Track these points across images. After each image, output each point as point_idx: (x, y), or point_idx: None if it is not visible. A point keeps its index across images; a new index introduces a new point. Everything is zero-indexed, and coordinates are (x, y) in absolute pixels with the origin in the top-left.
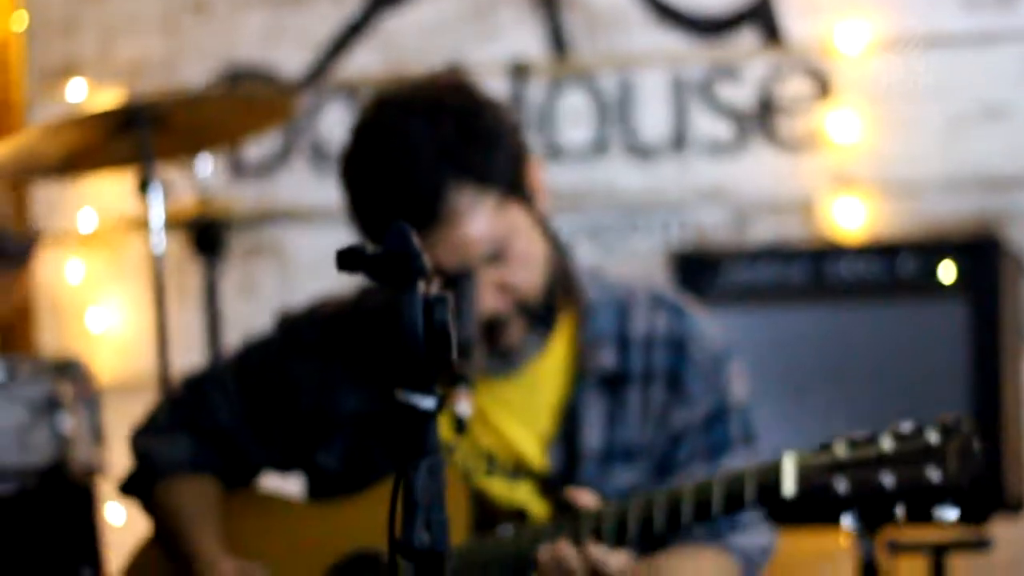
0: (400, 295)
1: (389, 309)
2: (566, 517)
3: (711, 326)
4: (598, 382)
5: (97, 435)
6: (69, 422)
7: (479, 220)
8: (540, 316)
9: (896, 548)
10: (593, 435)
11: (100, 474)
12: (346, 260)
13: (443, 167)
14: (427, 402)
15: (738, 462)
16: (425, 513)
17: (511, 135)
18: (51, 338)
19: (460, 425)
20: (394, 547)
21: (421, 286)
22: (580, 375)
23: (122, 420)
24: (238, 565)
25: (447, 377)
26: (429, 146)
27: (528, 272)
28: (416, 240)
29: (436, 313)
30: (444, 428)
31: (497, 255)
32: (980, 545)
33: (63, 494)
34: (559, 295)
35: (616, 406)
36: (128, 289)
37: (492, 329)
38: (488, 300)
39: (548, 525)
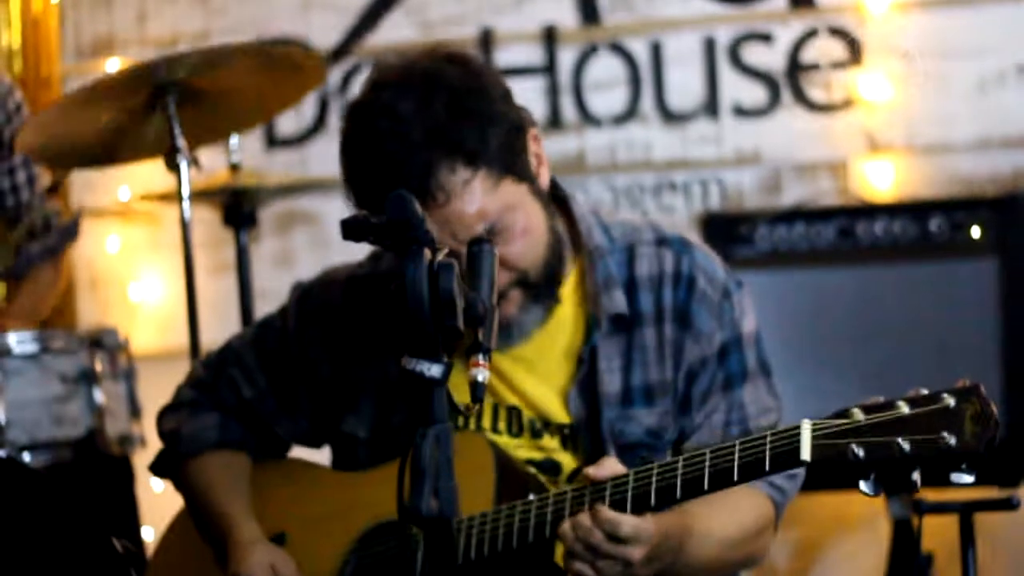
0: (404, 262)
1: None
2: (586, 489)
3: (716, 260)
4: (611, 326)
5: (133, 407)
6: (103, 394)
7: (472, 199)
8: (542, 288)
9: (923, 508)
10: (611, 379)
11: (136, 446)
12: (351, 229)
13: (434, 147)
14: (433, 369)
15: (758, 393)
16: (433, 480)
17: (506, 110)
18: (91, 312)
19: (478, 392)
20: (403, 514)
21: (426, 253)
22: (592, 322)
23: (160, 391)
24: (270, 556)
25: (466, 345)
26: (419, 126)
27: (527, 246)
28: (419, 209)
29: (441, 280)
30: (462, 395)
31: (494, 231)
32: (1008, 505)
33: (98, 466)
34: (563, 268)
35: (631, 348)
36: (166, 262)
37: None
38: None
39: (571, 492)
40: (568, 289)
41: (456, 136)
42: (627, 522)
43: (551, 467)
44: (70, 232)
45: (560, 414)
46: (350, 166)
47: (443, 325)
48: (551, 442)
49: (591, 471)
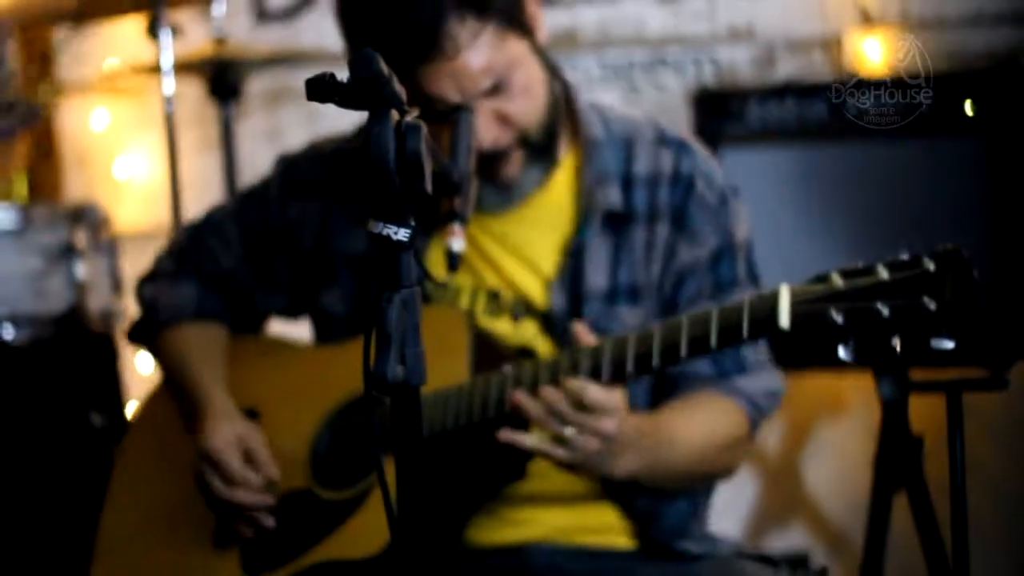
0: (370, 122)
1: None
2: (563, 354)
3: (716, 165)
4: (602, 221)
5: (115, 282)
6: (85, 269)
7: (480, 51)
8: (541, 148)
9: (910, 387)
10: (597, 275)
11: (118, 321)
12: (315, 89)
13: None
14: (400, 232)
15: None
16: (400, 346)
17: None
18: (77, 188)
19: (453, 262)
20: (368, 381)
21: (393, 114)
22: (584, 214)
23: (144, 268)
24: (238, 431)
25: (441, 212)
26: None
27: (529, 103)
28: (384, 67)
29: (408, 141)
30: (438, 265)
31: (498, 86)
32: (996, 383)
33: (79, 341)
34: (561, 128)
35: (621, 245)
36: (152, 138)
37: (493, 160)
38: (489, 131)
39: (547, 362)
40: (563, 178)
41: None
42: (593, 388)
43: (527, 354)
44: (28, 118)
45: (541, 301)
46: (356, 19)
47: (410, 188)
48: (530, 328)
49: (579, 332)
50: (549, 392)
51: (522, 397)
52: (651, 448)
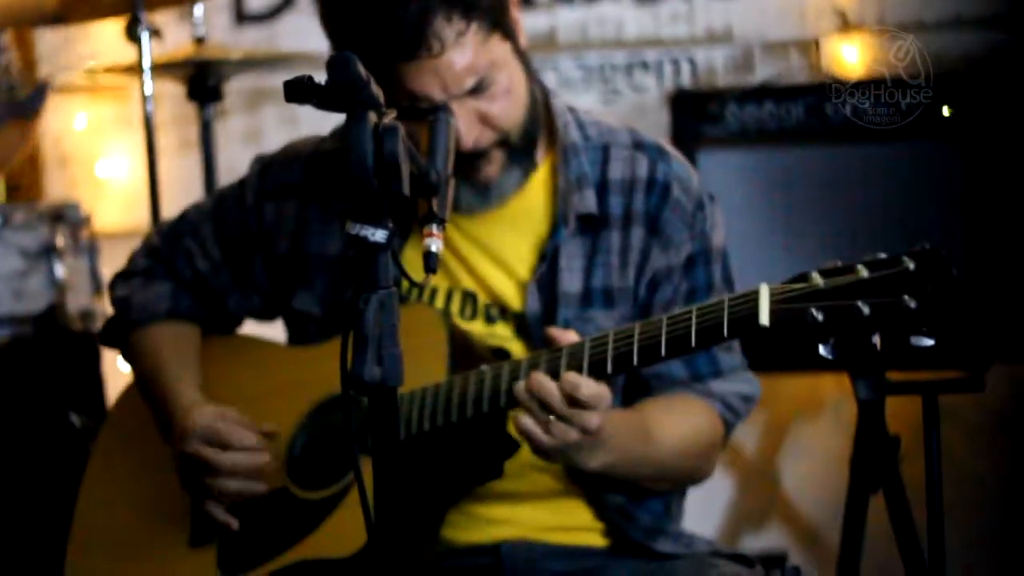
0: (348, 124)
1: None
2: (544, 352)
3: (692, 171)
4: (578, 225)
5: (95, 282)
6: (64, 269)
7: (465, 50)
8: (521, 150)
9: (887, 388)
10: (571, 279)
11: (98, 321)
12: (294, 91)
13: None
14: (377, 234)
15: None
16: (377, 347)
17: None
18: (58, 189)
19: (430, 263)
20: (345, 382)
21: (371, 116)
22: (560, 218)
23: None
24: (218, 407)
25: (418, 214)
26: None
27: (510, 105)
28: (362, 70)
29: (386, 143)
30: (414, 266)
31: (480, 87)
32: (972, 385)
33: (59, 341)
34: (540, 131)
35: (596, 249)
36: (133, 139)
37: (473, 160)
38: (471, 131)
39: (526, 360)
40: (539, 182)
41: None
42: (587, 384)
43: (502, 356)
44: (37, 97)
45: (516, 303)
46: (340, 16)
47: (387, 189)
48: (504, 330)
49: (554, 331)
50: (544, 381)
51: (520, 387)
52: (626, 444)
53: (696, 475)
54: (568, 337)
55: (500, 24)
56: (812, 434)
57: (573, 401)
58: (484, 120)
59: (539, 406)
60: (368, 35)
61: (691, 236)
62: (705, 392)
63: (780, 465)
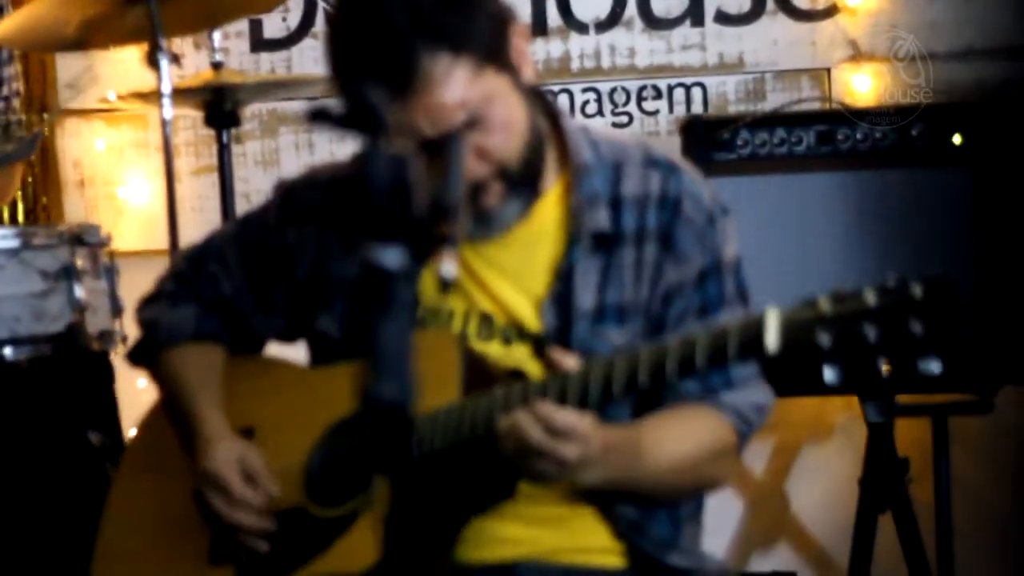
0: (363, 150)
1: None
2: (553, 376)
3: (705, 185)
4: (591, 243)
5: (115, 304)
6: (84, 291)
7: (454, 86)
8: (521, 181)
9: (896, 410)
10: (586, 295)
11: (116, 343)
12: (316, 117)
13: (417, 33)
14: (392, 258)
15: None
16: (391, 368)
17: (491, 2)
18: (78, 212)
19: (445, 286)
20: (360, 403)
21: (385, 143)
22: (574, 236)
23: (142, 290)
24: (238, 451)
25: (433, 238)
26: (403, 12)
27: (507, 138)
28: (379, 98)
29: (400, 169)
30: (430, 290)
31: (474, 121)
32: (981, 408)
33: (78, 362)
34: (543, 161)
35: (609, 266)
36: (152, 163)
37: (471, 192)
38: (466, 165)
39: (537, 383)
40: (552, 202)
41: (440, 23)
42: (562, 415)
43: (519, 376)
44: (30, 146)
45: (533, 323)
46: (334, 54)
47: (402, 214)
48: (522, 351)
49: (558, 357)
50: (522, 417)
51: (503, 422)
52: (616, 463)
53: (707, 484)
54: (568, 362)
55: (495, 57)
56: (821, 456)
57: (552, 430)
58: (480, 153)
59: (520, 445)
60: (360, 71)
61: (702, 250)
62: (717, 403)
63: (789, 486)
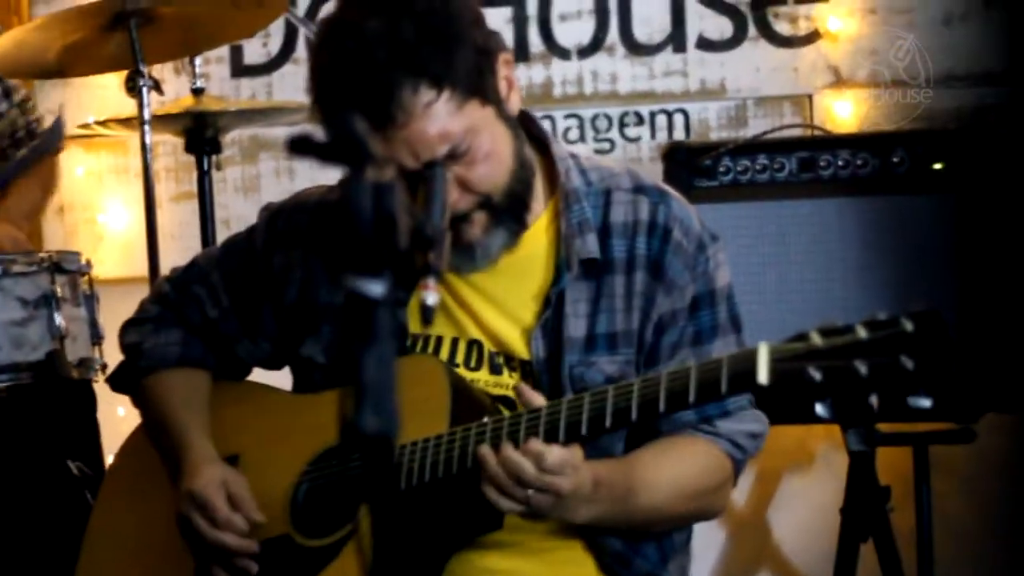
0: (346, 180)
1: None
2: (544, 407)
3: (693, 212)
4: (581, 270)
5: (94, 332)
6: (64, 318)
7: (434, 120)
8: (506, 211)
9: (878, 439)
10: (576, 324)
11: (96, 371)
12: (297, 146)
13: (398, 68)
14: (375, 287)
15: (728, 349)
16: (375, 399)
17: (476, 33)
18: (57, 238)
19: (427, 315)
20: (344, 433)
21: (369, 172)
22: (563, 263)
23: (122, 317)
24: (222, 474)
25: (416, 267)
26: (385, 47)
27: (491, 169)
28: (362, 127)
29: (384, 199)
30: (415, 319)
31: (455, 153)
32: (962, 437)
33: (58, 390)
34: (530, 192)
35: (599, 295)
36: (132, 190)
37: (454, 223)
38: (449, 195)
39: (527, 414)
40: (541, 229)
41: (421, 58)
42: (553, 452)
43: (508, 405)
44: (56, 132)
45: (522, 351)
46: (316, 85)
47: (385, 243)
48: (510, 379)
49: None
50: (511, 454)
51: (487, 455)
52: (609, 497)
53: (703, 513)
54: (536, 400)
55: (479, 89)
56: (803, 484)
57: (541, 469)
58: (463, 185)
59: (510, 477)
60: (339, 103)
61: (693, 278)
62: (712, 432)
63: (771, 515)
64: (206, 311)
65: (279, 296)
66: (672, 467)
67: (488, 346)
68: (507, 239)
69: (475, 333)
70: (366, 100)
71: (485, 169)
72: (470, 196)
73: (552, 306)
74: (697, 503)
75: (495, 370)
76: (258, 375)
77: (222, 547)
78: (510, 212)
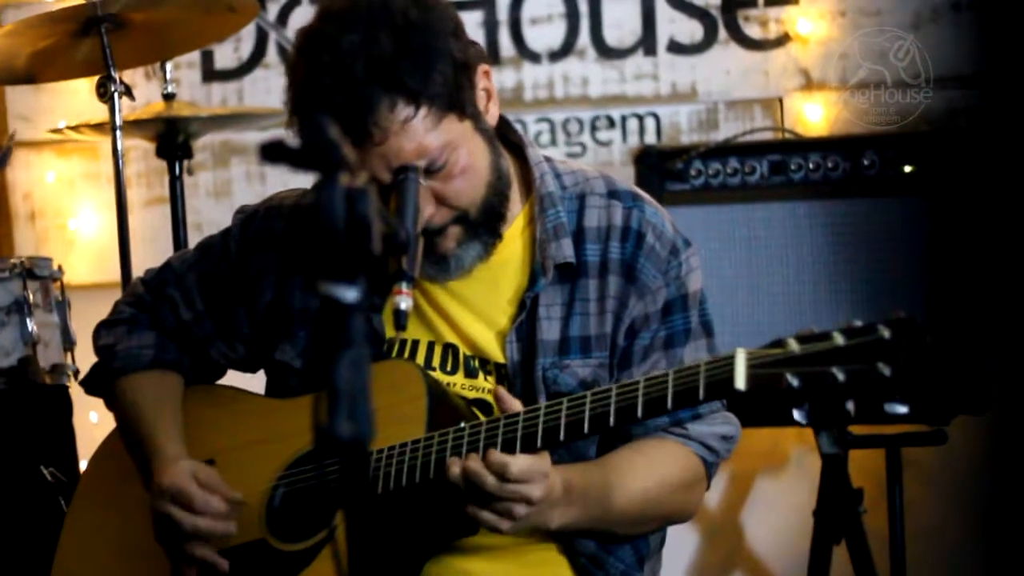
0: (319, 185)
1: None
2: (521, 413)
3: (666, 217)
4: (556, 274)
5: (67, 337)
6: (36, 324)
7: (411, 136)
8: (481, 225)
9: (851, 442)
10: (550, 327)
11: (68, 376)
12: (269, 152)
13: (375, 84)
14: (349, 293)
15: (699, 353)
16: (349, 404)
17: (455, 46)
18: (28, 244)
19: (400, 320)
20: (318, 438)
21: (342, 177)
22: (538, 268)
23: (94, 323)
24: (192, 466)
25: (389, 273)
26: (362, 62)
27: (466, 183)
28: (335, 134)
29: (357, 204)
30: (389, 324)
31: (432, 168)
32: (934, 439)
33: (32, 395)
34: (506, 205)
35: (573, 298)
36: (103, 195)
37: (429, 236)
38: (425, 209)
39: (504, 418)
40: (516, 233)
41: (399, 73)
42: (517, 462)
43: (484, 408)
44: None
45: (497, 355)
46: (293, 97)
47: (359, 249)
48: (485, 383)
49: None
50: (472, 466)
51: (451, 466)
52: (582, 502)
53: (676, 517)
54: (515, 405)
55: (456, 104)
56: (775, 487)
57: (505, 479)
58: (439, 199)
59: (476, 490)
60: (314, 113)
61: (666, 282)
62: (683, 435)
63: (744, 518)
64: (180, 313)
65: (253, 299)
66: (644, 470)
67: (463, 350)
68: (481, 252)
69: (451, 337)
70: (343, 116)
71: (462, 183)
72: (446, 210)
73: (527, 310)
74: (670, 506)
75: (470, 374)
76: (232, 378)
77: (203, 533)
78: (485, 226)
